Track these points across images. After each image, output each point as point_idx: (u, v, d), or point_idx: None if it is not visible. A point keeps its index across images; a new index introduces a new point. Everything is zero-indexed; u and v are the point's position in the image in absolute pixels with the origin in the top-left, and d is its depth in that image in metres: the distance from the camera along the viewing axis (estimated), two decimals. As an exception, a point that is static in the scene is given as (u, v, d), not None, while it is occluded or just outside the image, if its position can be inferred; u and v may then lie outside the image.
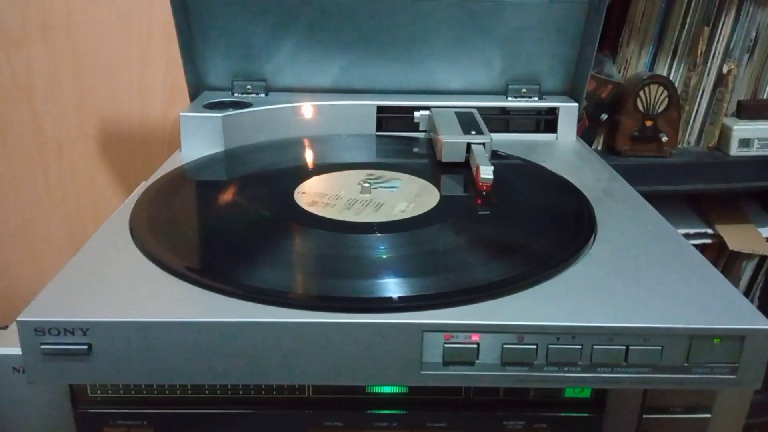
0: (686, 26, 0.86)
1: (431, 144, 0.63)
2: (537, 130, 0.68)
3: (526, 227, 0.48)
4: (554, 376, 0.36)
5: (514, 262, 0.42)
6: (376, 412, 0.42)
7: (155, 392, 0.42)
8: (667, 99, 0.85)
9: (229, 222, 0.49)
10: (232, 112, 0.62)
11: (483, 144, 0.56)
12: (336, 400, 0.42)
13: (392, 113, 0.67)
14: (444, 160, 0.57)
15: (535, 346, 0.35)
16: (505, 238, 0.47)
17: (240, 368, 0.36)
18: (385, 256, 0.43)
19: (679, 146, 0.90)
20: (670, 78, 0.87)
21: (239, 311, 0.36)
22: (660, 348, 0.35)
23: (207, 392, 0.42)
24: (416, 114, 0.66)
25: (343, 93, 0.69)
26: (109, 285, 0.38)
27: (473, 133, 0.57)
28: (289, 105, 0.65)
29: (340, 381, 0.36)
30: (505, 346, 0.35)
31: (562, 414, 0.42)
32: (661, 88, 0.85)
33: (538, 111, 0.68)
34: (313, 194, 0.51)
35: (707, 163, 0.89)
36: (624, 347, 0.35)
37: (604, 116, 0.87)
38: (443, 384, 0.36)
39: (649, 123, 0.86)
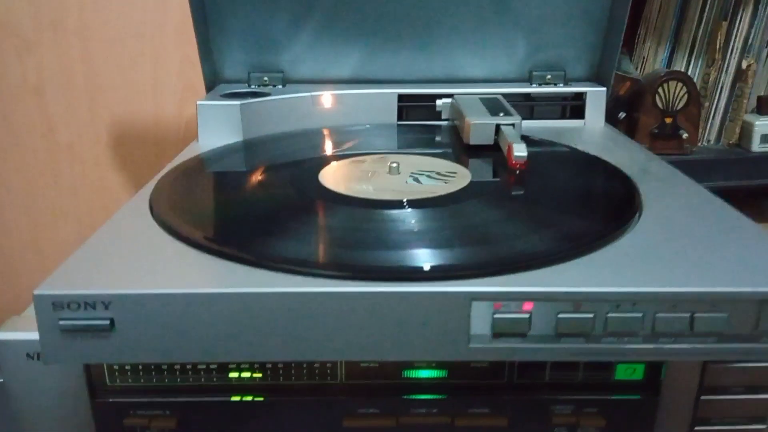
0: (703, 22, 0.85)
1: (454, 132, 0.61)
2: (563, 117, 0.66)
3: (567, 201, 0.46)
4: (613, 348, 0.33)
5: (562, 232, 0.39)
6: (414, 397, 0.40)
7: (178, 380, 0.39)
8: (686, 95, 0.83)
9: (254, 200, 0.47)
10: (250, 100, 0.61)
11: (512, 125, 0.54)
12: (370, 386, 0.40)
13: (413, 101, 0.65)
14: (471, 142, 0.54)
15: (592, 315, 0.32)
16: (549, 210, 0.44)
17: (271, 344, 0.33)
18: (425, 228, 0.40)
19: (699, 144, 0.88)
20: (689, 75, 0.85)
21: (272, 282, 0.33)
22: (726, 315, 0.32)
23: (233, 380, 0.39)
24: (438, 102, 0.64)
25: (362, 83, 0.67)
26: (131, 259, 0.36)
27: (501, 115, 0.55)
28: (309, 94, 0.64)
29: (380, 357, 0.34)
30: (559, 315, 0.32)
31: (613, 397, 0.39)
32: (680, 84, 0.83)
33: (565, 97, 0.66)
34: (339, 176, 0.49)
35: (729, 159, 0.86)
36: (688, 314, 0.32)
37: (623, 114, 0.85)
38: (492, 358, 0.33)
39: (668, 120, 0.84)
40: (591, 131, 0.63)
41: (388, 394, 0.40)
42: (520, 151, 0.48)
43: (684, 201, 0.44)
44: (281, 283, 0.33)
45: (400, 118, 0.66)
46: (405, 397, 0.40)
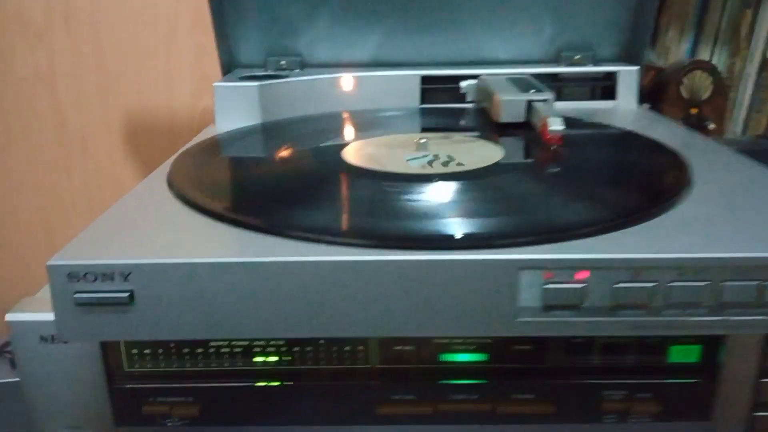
0: (727, 10, 0.82)
1: (481, 114, 0.59)
2: (593, 98, 0.63)
3: (613, 173, 0.43)
4: (674, 320, 0.30)
5: (612, 201, 0.37)
6: (453, 382, 0.37)
7: (200, 365, 0.37)
8: (712, 85, 0.80)
9: (278, 174, 0.45)
10: (269, 81, 0.58)
11: (545, 100, 0.51)
12: (405, 371, 0.37)
13: (437, 84, 0.63)
14: (502, 120, 0.52)
15: (652, 285, 0.30)
16: (595, 181, 0.41)
17: (299, 318, 0.31)
18: (465, 198, 0.38)
19: (725, 135, 0.85)
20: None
21: (301, 251, 0.31)
22: (799, 284, 0.30)
23: (259, 364, 0.37)
24: (463, 84, 0.62)
25: (382, 67, 0.65)
26: (150, 231, 0.33)
27: (532, 91, 0.53)
28: (329, 76, 0.61)
29: (417, 332, 0.31)
30: (616, 285, 0.30)
31: (668, 381, 0.36)
32: (705, 74, 0.80)
33: (595, 77, 0.63)
34: (364, 153, 0.46)
35: (757, 150, 0.83)
36: (756, 282, 0.30)
37: (646, 105, 0.83)
38: (541, 333, 0.31)
39: (694, 111, 0.81)
40: (624, 112, 0.61)
41: (425, 379, 0.37)
42: (556, 124, 0.45)
43: (735, 171, 0.42)
44: (311, 252, 0.30)
45: (423, 101, 0.63)
46: (442, 382, 0.37)
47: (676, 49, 0.87)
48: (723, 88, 0.79)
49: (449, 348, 0.37)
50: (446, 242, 0.31)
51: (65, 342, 0.36)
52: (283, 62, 0.65)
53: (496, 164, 0.43)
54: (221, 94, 0.57)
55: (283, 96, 0.59)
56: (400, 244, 0.30)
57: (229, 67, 0.65)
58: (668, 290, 0.30)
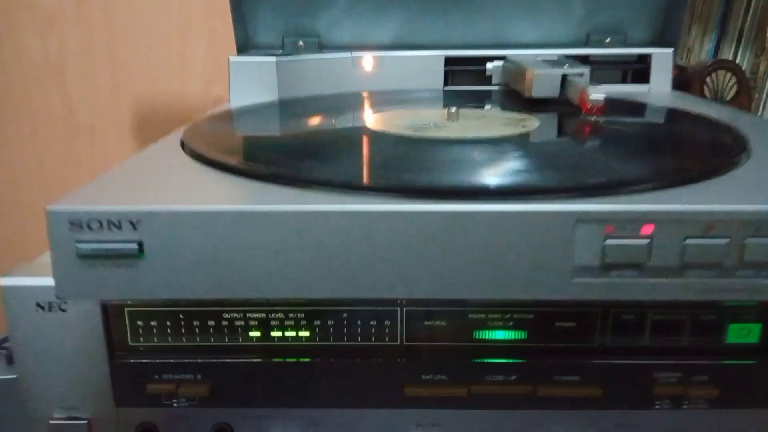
0: (751, 10, 0.80)
1: (509, 95, 0.56)
2: (624, 81, 0.60)
3: (668, 136, 0.40)
4: (749, 283, 0.27)
5: (674, 160, 0.34)
6: (489, 361, 0.34)
7: (212, 338, 0.34)
8: (736, 85, 0.77)
9: (299, 136, 0.42)
10: (287, 57, 0.56)
11: (581, 74, 0.48)
12: (435, 349, 0.34)
13: (461, 65, 0.60)
14: (534, 95, 0.49)
15: (726, 241, 0.26)
16: (652, 143, 0.38)
17: (327, 276, 0.27)
18: (513, 156, 0.35)
19: (748, 137, 0.82)
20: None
21: (331, 202, 0.28)
22: None
23: (277, 338, 0.33)
24: (489, 65, 0.59)
25: (403, 49, 0.62)
26: (163, 181, 0.30)
27: (566, 66, 0.50)
28: (349, 54, 0.59)
29: (455, 294, 0.27)
30: (686, 241, 0.26)
31: (726, 362, 0.33)
32: (729, 74, 0.77)
33: (627, 60, 0.60)
34: (390, 122, 0.43)
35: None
36: None
37: (672, 99, 0.80)
38: (600, 297, 0.27)
39: (718, 111, 0.78)
40: (658, 95, 0.58)
41: (457, 357, 0.34)
42: (596, 93, 0.42)
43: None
44: (338, 201, 0.27)
45: (446, 83, 0.60)
46: (477, 361, 0.34)
47: (698, 49, 0.85)
48: (747, 88, 0.76)
49: (484, 324, 0.33)
50: (495, 193, 0.28)
51: (63, 309, 0.33)
52: (300, 43, 0.63)
53: (536, 131, 0.40)
54: (237, 69, 0.55)
55: (301, 74, 0.57)
56: (436, 194, 0.27)
57: (245, 49, 0.63)
58: (743, 248, 0.26)
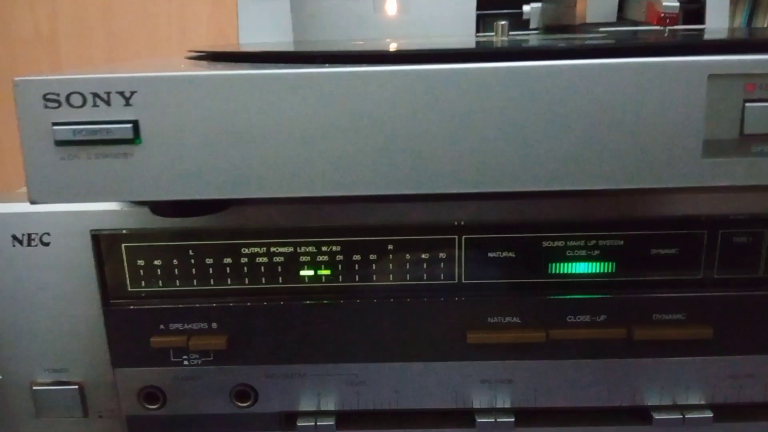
0: None
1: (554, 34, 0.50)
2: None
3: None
4: None
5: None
6: (570, 297, 0.27)
7: (228, 280, 0.27)
8: None
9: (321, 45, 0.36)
10: (301, -3, 0.50)
11: (640, -6, 0.42)
12: (503, 287, 0.27)
13: (495, 8, 0.54)
14: (589, 19, 0.43)
15: None
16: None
17: (370, 163, 0.21)
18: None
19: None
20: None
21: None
22: None
23: (308, 278, 0.27)
24: (526, 7, 0.53)
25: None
26: (161, 68, 0.24)
27: (621, -9, 0.44)
28: (370, -5, 0.53)
29: (548, 185, 0.21)
30: None
31: None
32: None
33: (678, -2, 0.54)
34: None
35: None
36: None
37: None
38: (737, 182, 0.21)
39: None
40: (719, 34, 0.52)
41: (531, 295, 0.27)
42: (669, 1, 0.36)
43: None
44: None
45: (478, 30, 0.54)
46: (554, 297, 0.27)
47: (731, 20, 0.79)
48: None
49: (563, 255, 0.27)
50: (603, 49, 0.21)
51: (46, 243, 0.27)
52: None
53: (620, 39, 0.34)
54: (246, 9, 0.49)
55: (317, 15, 0.51)
56: (527, 54, 0.21)
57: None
58: None
